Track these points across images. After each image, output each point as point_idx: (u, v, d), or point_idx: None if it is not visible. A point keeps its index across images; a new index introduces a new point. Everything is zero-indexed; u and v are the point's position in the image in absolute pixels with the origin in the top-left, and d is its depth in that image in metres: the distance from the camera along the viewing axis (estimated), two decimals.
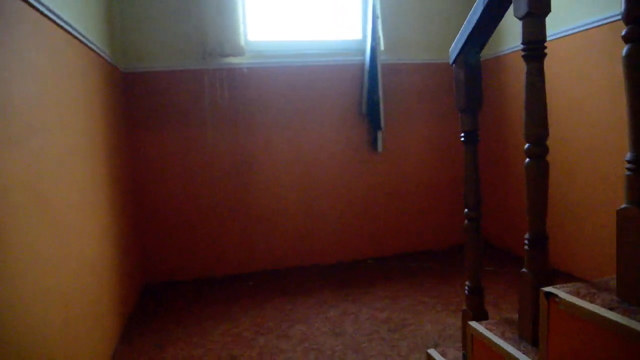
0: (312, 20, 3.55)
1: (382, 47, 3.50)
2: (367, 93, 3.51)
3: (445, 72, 3.67)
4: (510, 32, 3.36)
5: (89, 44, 2.27)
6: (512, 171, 3.46)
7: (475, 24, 1.55)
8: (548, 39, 1.38)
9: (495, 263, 3.37)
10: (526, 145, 1.35)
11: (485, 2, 1.49)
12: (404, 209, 3.70)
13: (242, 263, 3.43)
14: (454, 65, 1.70)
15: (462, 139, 1.70)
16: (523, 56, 1.30)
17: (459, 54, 1.66)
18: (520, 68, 3.14)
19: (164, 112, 3.20)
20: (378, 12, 3.50)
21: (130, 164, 3.12)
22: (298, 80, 3.42)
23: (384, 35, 3.52)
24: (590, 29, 2.67)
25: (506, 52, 3.42)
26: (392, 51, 3.58)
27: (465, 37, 1.62)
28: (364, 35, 3.60)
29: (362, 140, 3.58)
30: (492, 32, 1.63)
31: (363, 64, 3.54)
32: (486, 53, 3.60)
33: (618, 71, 1.60)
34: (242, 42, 3.22)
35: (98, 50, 2.43)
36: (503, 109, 3.50)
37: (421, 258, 3.60)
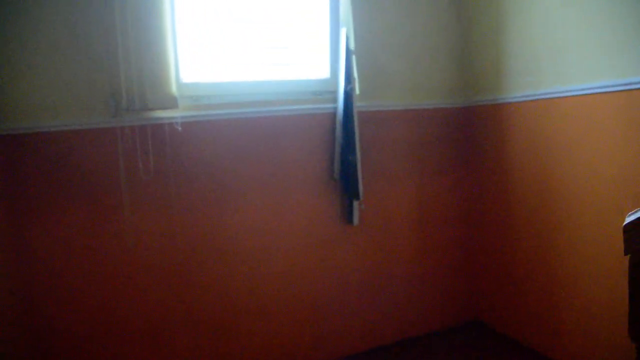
0: (267, 55, 2.66)
1: (357, 90, 2.69)
2: (340, 152, 2.68)
3: (434, 118, 2.94)
4: (512, 79, 2.68)
5: None
6: (516, 236, 2.79)
7: None
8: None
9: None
10: None
11: None
12: (388, 293, 2.92)
13: None
14: None
15: None
16: None
17: None
18: (523, 119, 2.43)
19: (60, 189, 2.18)
20: (352, 45, 2.68)
21: (14, 268, 2.08)
22: (250, 138, 2.53)
23: (359, 74, 2.71)
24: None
25: (508, 100, 2.73)
26: (370, 95, 2.79)
27: None
28: (334, 74, 2.77)
29: (333, 211, 2.76)
30: None
31: (334, 113, 2.71)
32: (483, 98, 2.90)
33: None
34: (174, 89, 2.27)
35: None
36: (504, 160, 2.82)
37: (409, 350, 2.85)
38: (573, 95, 2.40)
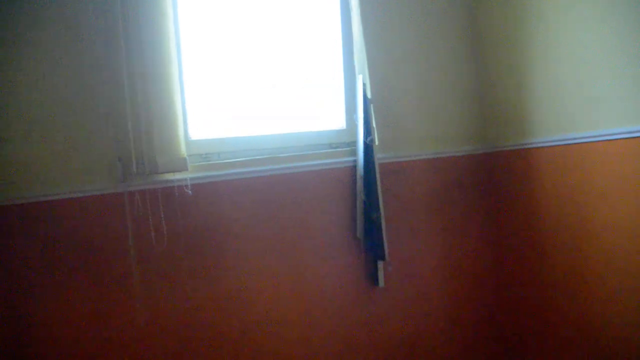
0: (279, 107, 2.48)
1: (376, 140, 2.51)
2: (362, 209, 2.47)
3: (457, 166, 2.77)
4: (537, 123, 2.53)
5: None
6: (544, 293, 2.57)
7: None
8: None
9: None
10: None
11: None
12: None
13: None
14: None
15: None
16: None
17: None
18: (551, 164, 2.22)
19: (58, 261, 1.93)
20: (369, 93, 2.51)
21: (9, 351, 1.81)
22: (265, 197, 2.32)
23: (376, 124, 2.53)
24: None
25: (534, 145, 2.57)
26: (389, 145, 2.61)
27: None
28: (350, 124, 2.60)
29: (356, 273, 2.53)
30: None
31: (353, 167, 2.52)
32: (507, 143, 2.74)
33: None
34: (183, 149, 2.06)
35: None
36: (533, 209, 2.63)
37: None
38: (604, 140, 2.25)
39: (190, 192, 2.09)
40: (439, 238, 2.73)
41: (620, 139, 2.19)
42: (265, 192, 2.30)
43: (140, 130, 1.96)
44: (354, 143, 2.58)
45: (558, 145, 2.47)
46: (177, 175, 2.08)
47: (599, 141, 2.28)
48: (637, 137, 2.12)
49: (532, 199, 2.64)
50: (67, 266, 1.93)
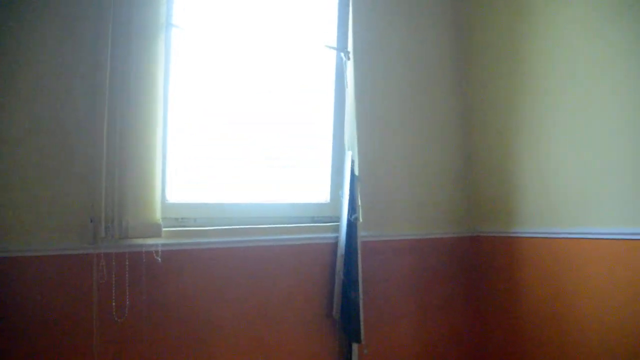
0: (262, 176, 2.42)
1: (361, 218, 2.43)
2: (340, 288, 2.36)
3: (441, 248, 2.70)
4: (523, 213, 2.49)
5: None
6: None
7: None
8: None
9: None
10: None
11: None
12: None
13: None
14: None
15: None
16: None
17: None
18: (536, 255, 2.35)
19: (7, 331, 1.77)
20: (356, 170, 2.47)
21: None
22: (239, 270, 2.20)
23: (361, 200, 2.47)
24: None
25: (518, 234, 2.52)
26: (373, 223, 2.54)
27: None
28: (334, 198, 2.54)
29: (329, 355, 2.38)
30: None
31: (334, 243, 2.43)
32: (492, 229, 2.69)
33: None
34: (157, 215, 1.97)
35: None
36: (514, 298, 2.54)
37: None
38: (588, 239, 2.24)
39: (159, 259, 1.97)
40: (419, 322, 2.61)
41: (605, 239, 2.18)
42: (240, 266, 2.19)
43: (114, 191, 1.86)
44: (337, 218, 2.51)
45: (542, 238, 2.43)
46: (149, 240, 1.97)
47: (583, 238, 2.26)
48: (621, 239, 2.10)
49: (514, 288, 2.57)
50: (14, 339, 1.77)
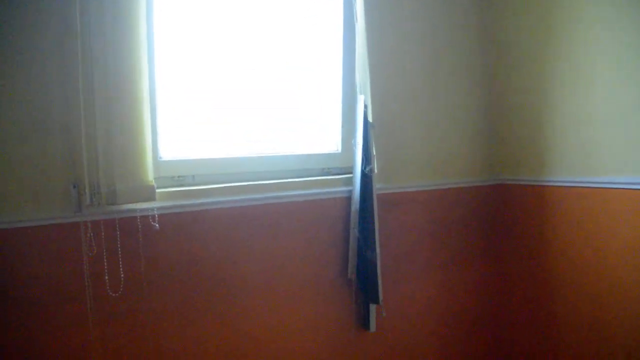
0: (266, 126, 2.18)
1: (376, 169, 2.20)
2: (356, 247, 2.18)
3: (462, 198, 2.50)
4: (558, 160, 2.25)
5: None
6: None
7: None
8: None
9: None
10: None
11: None
12: None
13: None
14: None
15: None
16: None
17: None
18: (570, 206, 2.15)
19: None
20: (370, 116, 2.22)
21: None
22: (245, 232, 2.01)
23: (376, 150, 2.23)
24: None
25: (552, 183, 2.30)
26: (389, 174, 2.32)
27: None
28: (346, 148, 2.31)
29: (346, 316, 2.23)
30: None
31: (348, 198, 2.22)
32: (519, 177, 2.46)
33: None
34: (149, 175, 1.74)
35: None
36: (540, 247, 2.37)
37: None
38: (629, 189, 2.01)
39: (157, 225, 1.76)
40: (439, 278, 2.45)
41: None
42: (245, 225, 2.00)
43: (97, 151, 1.63)
44: (349, 169, 2.28)
45: (580, 187, 2.20)
46: (143, 204, 1.76)
47: (621, 189, 2.03)
48: None
49: (542, 240, 2.38)
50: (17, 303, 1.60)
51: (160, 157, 1.95)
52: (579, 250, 2.20)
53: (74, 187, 1.64)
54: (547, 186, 2.33)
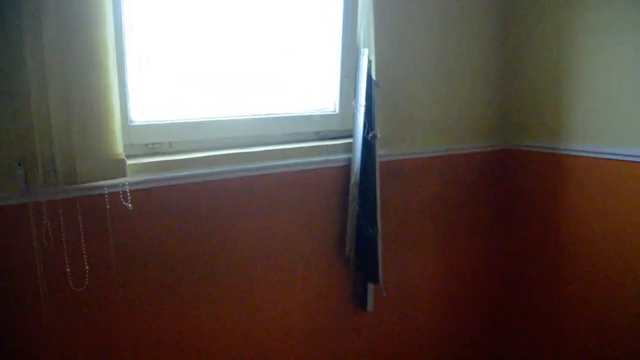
0: (253, 82, 1.88)
1: (378, 134, 1.94)
2: (355, 223, 1.95)
3: (470, 164, 2.27)
4: (580, 127, 2.03)
5: None
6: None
7: None
8: None
9: None
10: None
11: None
12: None
13: None
14: None
15: None
16: None
17: None
18: (589, 177, 1.99)
19: None
20: (374, 74, 1.93)
21: None
22: (231, 207, 1.75)
23: (379, 111, 1.96)
24: None
25: (568, 151, 2.08)
26: (392, 138, 2.06)
27: None
28: (344, 110, 2.03)
29: (342, 295, 2.04)
30: None
31: (346, 166, 1.96)
32: (533, 143, 2.24)
33: None
34: (118, 146, 1.45)
35: None
36: (553, 219, 2.19)
37: None
38: None
39: (129, 205, 1.49)
40: (442, 251, 2.26)
41: None
42: (231, 200, 1.74)
43: (50, 117, 1.32)
44: (347, 132, 2.03)
45: (602, 158, 1.99)
46: (112, 180, 1.47)
47: None
48: None
49: (555, 211, 2.19)
50: None
51: (132, 121, 1.66)
52: (592, 222, 2.03)
53: (19, 165, 1.33)
54: (563, 155, 2.11)
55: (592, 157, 2.03)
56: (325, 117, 2.04)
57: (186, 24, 1.69)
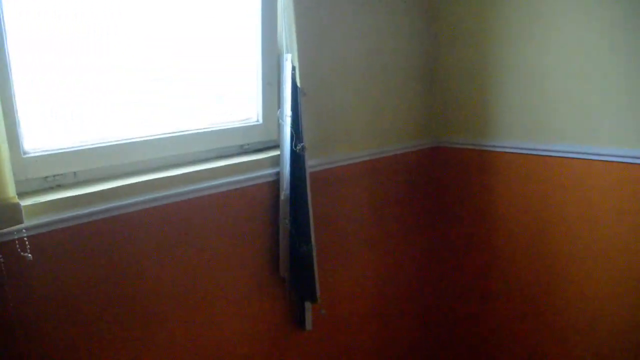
0: (165, 98, 1.69)
1: (307, 145, 1.84)
2: (287, 241, 1.84)
3: (401, 165, 2.24)
4: (504, 124, 2.04)
5: None
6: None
7: None
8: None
9: None
10: None
11: None
12: None
13: None
14: None
15: None
16: None
17: None
18: (515, 173, 2.02)
19: None
20: (298, 81, 1.81)
21: None
22: (154, 239, 1.57)
23: (306, 119, 1.86)
24: None
25: (497, 149, 2.10)
26: (320, 147, 1.96)
27: None
28: (268, 121, 1.90)
29: (279, 316, 1.94)
30: None
31: (276, 182, 1.84)
32: (460, 140, 2.24)
33: None
34: (10, 189, 1.23)
35: None
36: (488, 218, 2.21)
37: None
38: (576, 158, 1.89)
39: (29, 255, 1.28)
40: (378, 256, 2.23)
41: (596, 160, 1.84)
42: (152, 232, 1.56)
43: None
44: (272, 143, 1.91)
45: (523, 154, 2.03)
46: (4, 229, 1.25)
47: (571, 158, 1.89)
48: (614, 161, 1.79)
49: (482, 206, 2.22)
50: None
51: (26, 153, 1.42)
52: (524, 221, 2.07)
53: None
54: (490, 151, 2.13)
55: (513, 153, 2.06)
56: (248, 129, 1.90)
57: (83, 31, 1.47)
